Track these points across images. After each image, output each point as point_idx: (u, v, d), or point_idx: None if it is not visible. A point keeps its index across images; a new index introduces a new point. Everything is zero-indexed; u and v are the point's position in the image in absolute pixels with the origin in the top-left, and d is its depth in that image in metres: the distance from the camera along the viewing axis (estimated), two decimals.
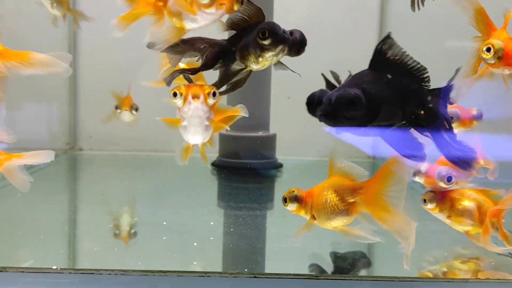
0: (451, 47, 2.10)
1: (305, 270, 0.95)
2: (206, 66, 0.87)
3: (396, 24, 2.23)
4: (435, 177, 0.96)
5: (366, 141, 2.02)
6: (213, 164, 1.90)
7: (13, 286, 0.84)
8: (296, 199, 0.88)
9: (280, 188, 1.82)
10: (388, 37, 0.85)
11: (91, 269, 0.86)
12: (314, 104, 1.06)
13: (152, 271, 0.86)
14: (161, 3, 0.82)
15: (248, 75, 0.90)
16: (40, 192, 1.57)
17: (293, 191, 0.89)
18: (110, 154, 2.15)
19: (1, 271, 0.86)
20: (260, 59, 0.84)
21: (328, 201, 0.86)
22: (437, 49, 2.02)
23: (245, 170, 1.84)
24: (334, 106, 0.79)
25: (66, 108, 2.13)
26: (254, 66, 0.86)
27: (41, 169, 1.88)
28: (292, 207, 0.88)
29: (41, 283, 0.85)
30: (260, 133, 1.88)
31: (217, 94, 0.87)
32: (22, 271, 0.86)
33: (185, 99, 0.85)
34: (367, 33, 2.16)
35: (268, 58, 0.85)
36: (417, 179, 0.98)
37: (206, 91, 0.86)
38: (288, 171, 1.92)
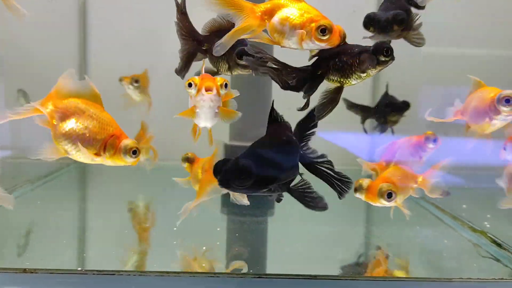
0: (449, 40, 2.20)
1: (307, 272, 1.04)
2: (295, 88, 0.95)
3: None
4: (376, 194, 1.01)
5: (363, 147, 2.12)
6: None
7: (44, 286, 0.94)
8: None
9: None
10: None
11: (113, 271, 0.96)
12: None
13: (167, 272, 0.96)
14: (266, 18, 0.91)
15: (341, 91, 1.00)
16: (57, 199, 1.71)
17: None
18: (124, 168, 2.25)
19: (32, 273, 0.96)
20: (368, 73, 0.94)
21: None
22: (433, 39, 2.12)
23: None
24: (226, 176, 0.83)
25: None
26: (354, 82, 0.94)
27: (56, 177, 2.00)
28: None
29: (67, 283, 0.95)
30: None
31: (229, 85, 0.98)
32: (51, 273, 0.96)
33: (198, 90, 0.96)
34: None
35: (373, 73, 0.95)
36: (358, 195, 1.02)
37: (219, 83, 0.97)
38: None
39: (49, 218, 1.42)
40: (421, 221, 1.42)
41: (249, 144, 2.04)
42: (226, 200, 1.82)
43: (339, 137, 2.08)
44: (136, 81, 1.75)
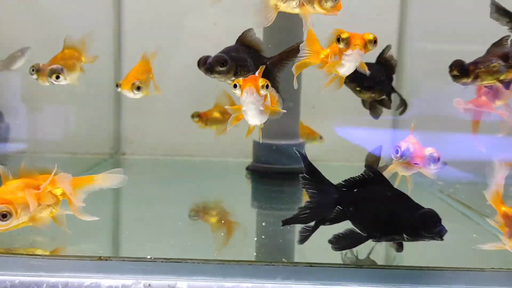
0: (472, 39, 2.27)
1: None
2: None
3: (417, 14, 2.40)
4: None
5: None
6: (247, 168, 2.11)
7: (116, 273, 1.05)
8: None
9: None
10: None
11: (178, 259, 1.07)
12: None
13: (228, 261, 1.07)
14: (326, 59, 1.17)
15: None
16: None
17: None
18: (150, 158, 2.36)
19: (106, 260, 1.06)
20: None
21: None
22: (458, 40, 2.19)
23: (276, 174, 2.04)
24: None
25: (111, 116, 2.33)
26: None
27: (93, 172, 2.10)
28: None
29: (137, 270, 1.06)
30: (290, 141, 2.09)
31: (269, 86, 1.10)
32: (123, 260, 1.07)
33: (242, 90, 1.08)
34: (388, 24, 2.34)
35: None
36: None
37: (260, 84, 1.08)
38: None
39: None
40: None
41: (277, 141, 2.13)
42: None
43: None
44: (138, 88, 1.61)
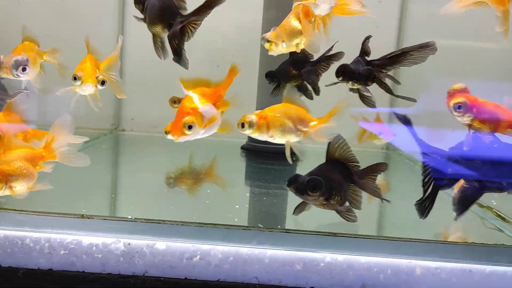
0: (471, 47, 2.28)
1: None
2: None
3: (414, 27, 2.42)
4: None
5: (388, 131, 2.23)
6: (242, 147, 2.14)
7: (97, 231, 1.09)
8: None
9: (300, 168, 2.05)
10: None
11: (158, 220, 1.10)
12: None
13: (206, 224, 1.10)
14: None
15: None
16: (96, 162, 1.90)
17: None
18: (149, 135, 2.40)
19: (88, 218, 1.10)
20: None
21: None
22: (456, 49, 2.22)
23: (270, 153, 2.07)
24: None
25: (112, 93, 2.37)
26: None
27: (92, 145, 2.15)
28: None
29: (118, 229, 1.10)
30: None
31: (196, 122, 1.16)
32: (105, 219, 1.11)
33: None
34: (386, 36, 2.36)
35: None
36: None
37: (186, 124, 1.15)
38: (308, 156, 2.15)
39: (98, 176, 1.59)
40: None
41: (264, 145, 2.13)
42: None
43: None
44: (103, 83, 1.47)
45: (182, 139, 1.17)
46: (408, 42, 2.40)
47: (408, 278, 1.05)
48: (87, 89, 1.41)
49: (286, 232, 1.10)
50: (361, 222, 1.20)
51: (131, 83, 2.40)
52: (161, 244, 1.07)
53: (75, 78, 1.38)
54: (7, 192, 1.13)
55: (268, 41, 1.26)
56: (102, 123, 2.35)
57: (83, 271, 1.06)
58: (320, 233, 1.10)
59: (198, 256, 1.06)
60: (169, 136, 1.18)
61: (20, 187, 1.14)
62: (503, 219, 1.26)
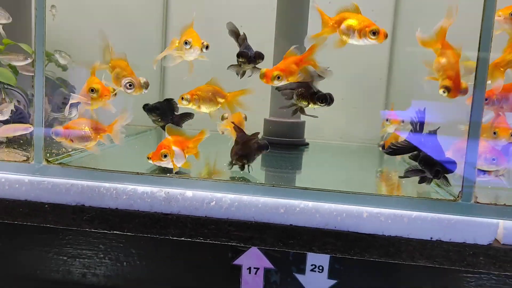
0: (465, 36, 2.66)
1: None
2: None
3: (410, 12, 2.79)
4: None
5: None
6: None
7: (147, 183, 1.61)
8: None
9: (306, 157, 2.53)
10: None
11: (188, 176, 1.62)
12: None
13: (219, 180, 1.61)
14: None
15: None
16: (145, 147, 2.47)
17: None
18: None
19: (141, 174, 1.63)
20: None
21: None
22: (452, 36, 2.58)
23: (283, 145, 2.56)
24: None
25: (157, 94, 2.94)
26: None
27: (141, 136, 2.72)
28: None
29: (161, 182, 1.62)
30: (293, 120, 2.60)
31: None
32: (152, 175, 1.63)
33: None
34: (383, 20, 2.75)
35: None
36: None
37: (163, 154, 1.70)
38: (313, 148, 2.64)
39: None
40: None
41: (285, 120, 2.64)
42: None
43: None
44: (207, 47, 1.78)
45: (158, 164, 1.66)
46: (404, 26, 2.82)
47: (358, 220, 1.52)
48: (195, 52, 1.72)
49: (272, 186, 1.59)
50: (327, 181, 1.69)
51: (170, 84, 2.96)
52: (189, 193, 1.58)
53: (185, 43, 1.69)
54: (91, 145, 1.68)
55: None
56: (148, 121, 2.90)
57: (138, 210, 1.58)
58: (296, 188, 1.59)
59: (214, 202, 1.56)
60: (150, 161, 1.67)
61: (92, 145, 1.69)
62: (438, 185, 1.72)
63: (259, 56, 1.79)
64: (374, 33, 1.51)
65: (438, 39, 1.52)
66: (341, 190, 1.58)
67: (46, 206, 1.59)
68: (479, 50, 1.44)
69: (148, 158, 1.65)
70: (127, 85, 1.64)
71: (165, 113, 1.98)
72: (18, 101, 2.12)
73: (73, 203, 1.59)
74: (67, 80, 2.81)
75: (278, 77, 1.62)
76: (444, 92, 1.45)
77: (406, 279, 1.57)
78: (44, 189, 1.60)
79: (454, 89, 1.48)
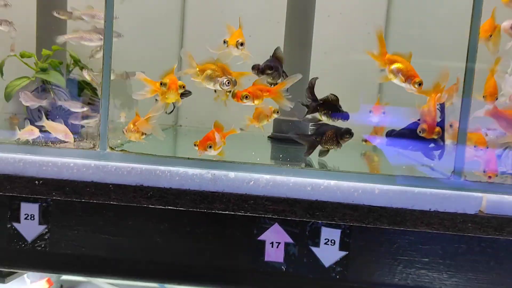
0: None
1: None
2: None
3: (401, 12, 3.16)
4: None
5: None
6: (269, 137, 2.99)
7: (196, 167, 1.93)
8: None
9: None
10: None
11: (231, 161, 1.94)
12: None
13: (257, 163, 1.94)
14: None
15: None
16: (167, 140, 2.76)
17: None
18: (199, 128, 3.26)
19: (191, 159, 1.94)
20: None
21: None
22: (443, 37, 2.75)
23: (289, 140, 2.90)
24: None
25: None
26: None
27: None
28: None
29: (207, 165, 1.93)
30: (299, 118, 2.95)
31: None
32: (200, 160, 1.95)
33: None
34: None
35: None
36: None
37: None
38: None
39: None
40: None
41: (292, 119, 2.99)
42: None
43: None
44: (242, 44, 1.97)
45: (202, 153, 1.93)
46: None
47: (371, 195, 1.86)
48: (235, 50, 1.95)
49: (302, 168, 1.94)
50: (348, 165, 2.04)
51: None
52: (231, 174, 1.90)
53: (224, 42, 1.94)
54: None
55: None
56: (166, 120, 3.23)
57: (189, 189, 1.89)
58: (320, 170, 1.94)
59: (252, 181, 1.89)
60: (195, 148, 1.91)
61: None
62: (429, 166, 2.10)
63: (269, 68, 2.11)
64: (419, 84, 1.89)
65: (434, 92, 1.93)
66: (357, 171, 1.93)
67: (110, 186, 1.88)
68: (467, 61, 1.82)
69: (195, 145, 1.95)
70: (226, 82, 1.91)
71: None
72: (66, 101, 2.40)
73: (133, 183, 1.89)
74: (91, 84, 3.09)
75: (246, 97, 1.96)
76: (420, 132, 1.93)
77: (400, 249, 1.92)
78: (108, 172, 1.89)
79: (428, 131, 1.94)
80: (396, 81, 1.92)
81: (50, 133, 2.11)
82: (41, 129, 2.13)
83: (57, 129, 2.08)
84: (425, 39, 3.05)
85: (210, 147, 1.94)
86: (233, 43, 1.91)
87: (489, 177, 1.93)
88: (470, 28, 1.82)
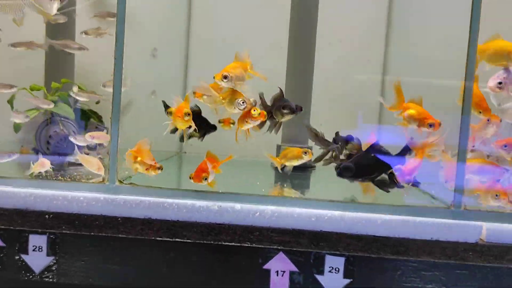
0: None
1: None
2: None
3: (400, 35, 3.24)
4: None
5: None
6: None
7: (205, 200, 1.98)
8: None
9: (313, 177, 2.93)
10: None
11: (236, 192, 1.99)
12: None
13: (262, 195, 1.99)
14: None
15: None
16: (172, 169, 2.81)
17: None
18: (201, 156, 3.30)
19: (197, 192, 1.99)
20: None
21: None
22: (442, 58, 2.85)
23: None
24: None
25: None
26: None
27: (169, 160, 3.07)
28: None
29: (214, 197, 1.98)
30: (300, 146, 3.00)
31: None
32: (206, 192, 2.00)
33: None
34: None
35: None
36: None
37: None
38: (318, 170, 3.05)
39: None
40: None
41: (294, 146, 3.04)
42: None
43: None
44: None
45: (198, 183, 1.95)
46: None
47: (374, 225, 1.90)
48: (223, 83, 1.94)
49: (306, 199, 1.99)
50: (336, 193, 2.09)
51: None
52: (238, 206, 1.95)
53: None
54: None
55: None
56: (171, 147, 3.28)
57: (196, 221, 1.94)
58: (324, 200, 1.99)
59: (258, 213, 1.94)
60: (191, 180, 1.94)
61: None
62: (432, 197, 2.15)
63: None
64: (431, 125, 2.02)
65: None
66: (360, 202, 1.97)
67: (119, 219, 1.93)
68: (465, 79, 1.89)
69: (190, 177, 1.98)
70: (241, 102, 1.95)
71: None
72: (74, 132, 2.47)
73: (142, 216, 1.94)
74: (97, 112, 3.16)
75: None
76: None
77: (404, 276, 1.96)
78: (117, 205, 1.94)
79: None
80: (412, 126, 2.06)
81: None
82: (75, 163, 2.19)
83: (91, 163, 2.14)
84: (424, 59, 3.11)
85: (205, 179, 1.98)
86: (219, 78, 1.92)
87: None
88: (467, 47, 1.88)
